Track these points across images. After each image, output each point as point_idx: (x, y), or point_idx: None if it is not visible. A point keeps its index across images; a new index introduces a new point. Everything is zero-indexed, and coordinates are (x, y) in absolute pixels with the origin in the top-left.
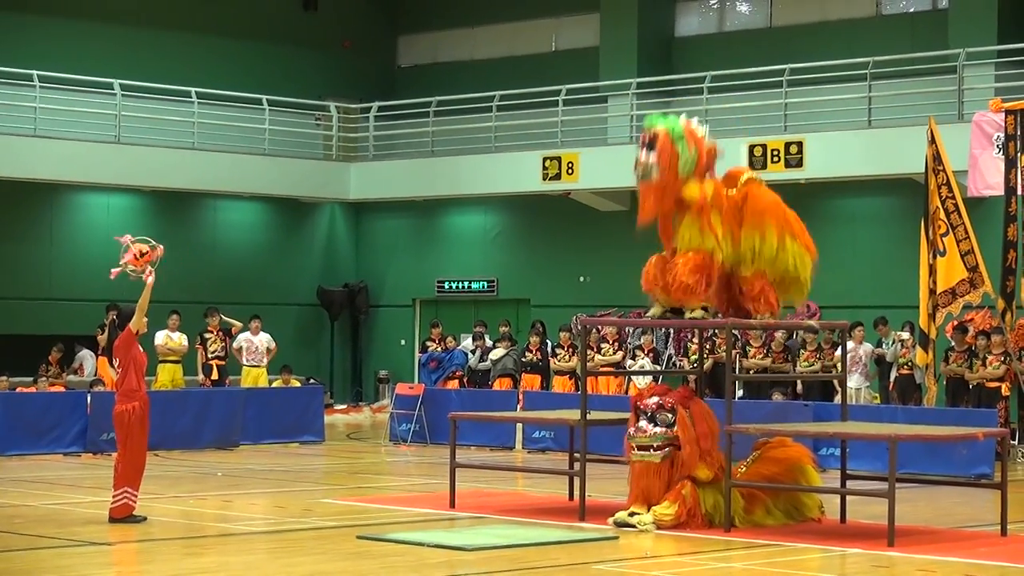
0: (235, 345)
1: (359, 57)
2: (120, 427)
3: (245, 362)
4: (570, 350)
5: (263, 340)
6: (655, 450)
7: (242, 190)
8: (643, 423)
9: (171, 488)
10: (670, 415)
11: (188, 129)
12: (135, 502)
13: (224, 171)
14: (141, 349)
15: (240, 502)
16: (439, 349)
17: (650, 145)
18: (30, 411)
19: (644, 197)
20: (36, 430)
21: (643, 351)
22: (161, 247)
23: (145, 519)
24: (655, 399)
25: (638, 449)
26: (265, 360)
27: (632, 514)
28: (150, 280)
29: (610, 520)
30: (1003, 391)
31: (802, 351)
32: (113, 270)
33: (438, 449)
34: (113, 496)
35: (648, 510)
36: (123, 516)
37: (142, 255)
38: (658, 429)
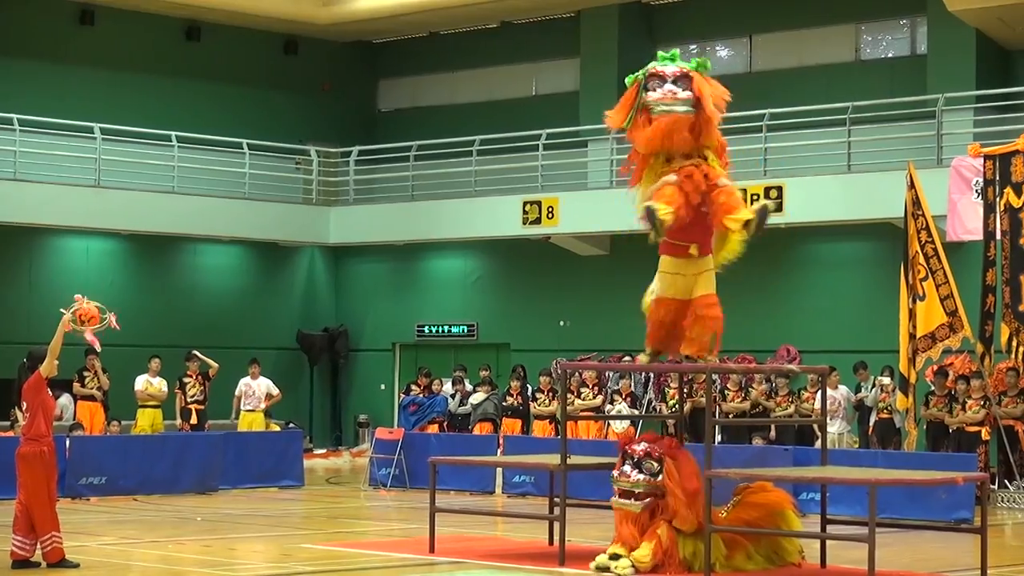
0: (236, 392)
1: (339, 101)
2: (25, 468)
3: (244, 406)
4: (550, 394)
5: (262, 385)
6: (635, 499)
7: (222, 234)
8: (627, 468)
9: (150, 533)
10: (656, 464)
11: (168, 173)
12: (62, 543)
13: (204, 215)
14: (50, 393)
15: (219, 547)
16: (422, 395)
17: (677, 82)
18: (7, 455)
19: (673, 128)
20: (12, 474)
21: (621, 396)
22: (112, 317)
23: (78, 565)
24: (643, 446)
25: (620, 496)
26: (263, 405)
27: (614, 556)
28: (70, 327)
29: (591, 565)
30: (983, 435)
31: (775, 395)
32: (69, 322)
33: (418, 494)
34: (41, 542)
35: (628, 553)
36: (58, 560)
37: (87, 318)
38: (641, 476)
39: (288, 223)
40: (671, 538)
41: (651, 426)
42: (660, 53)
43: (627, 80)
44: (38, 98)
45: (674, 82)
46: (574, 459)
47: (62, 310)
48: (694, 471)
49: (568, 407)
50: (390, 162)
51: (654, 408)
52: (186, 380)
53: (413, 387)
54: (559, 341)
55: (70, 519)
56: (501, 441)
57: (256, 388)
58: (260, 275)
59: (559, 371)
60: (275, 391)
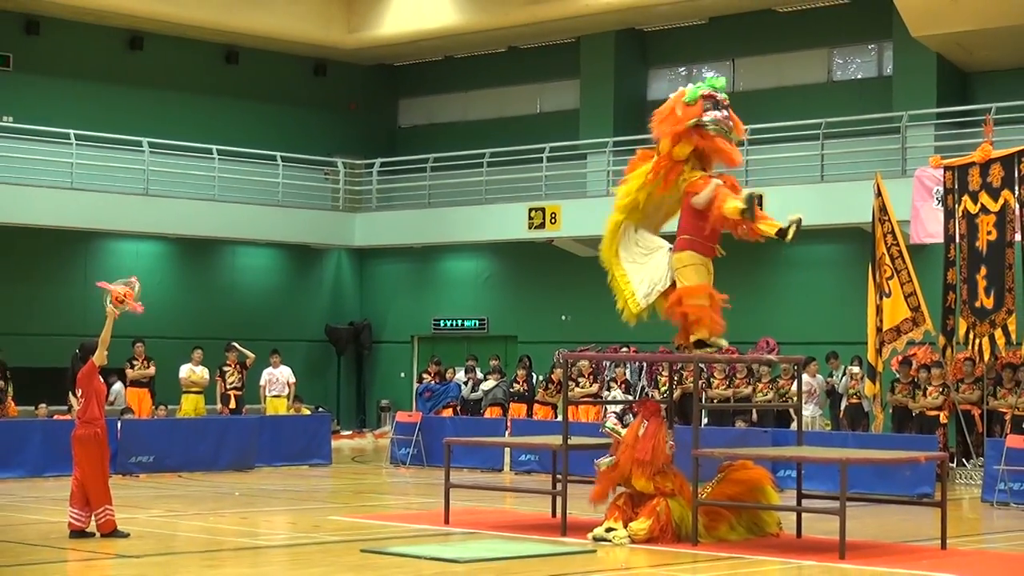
0: (261, 382)
1: (364, 118)
2: (81, 448)
3: (269, 393)
4: (558, 385)
5: (284, 373)
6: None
7: (258, 237)
8: (613, 416)
9: (192, 506)
10: (632, 419)
11: (210, 182)
12: (114, 515)
13: (242, 220)
14: (101, 380)
15: (255, 519)
16: (434, 381)
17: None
18: (65, 436)
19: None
20: (69, 454)
21: (616, 383)
22: (134, 278)
23: (128, 535)
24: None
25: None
26: (286, 391)
27: (608, 529)
28: (114, 315)
29: (589, 535)
30: (942, 419)
31: (758, 383)
32: (114, 310)
33: (434, 471)
34: (95, 514)
35: (624, 526)
36: (111, 531)
37: (124, 297)
38: (611, 425)
39: (317, 228)
40: (667, 513)
41: None
42: (710, 78)
43: (690, 96)
44: (92, 115)
45: (727, 108)
46: (574, 440)
47: (99, 285)
48: (658, 435)
49: (569, 393)
50: (409, 173)
51: (647, 394)
52: (225, 369)
53: (425, 375)
54: (561, 334)
55: (121, 494)
56: (509, 424)
57: (279, 376)
58: (292, 274)
59: (561, 360)
60: (292, 379)
